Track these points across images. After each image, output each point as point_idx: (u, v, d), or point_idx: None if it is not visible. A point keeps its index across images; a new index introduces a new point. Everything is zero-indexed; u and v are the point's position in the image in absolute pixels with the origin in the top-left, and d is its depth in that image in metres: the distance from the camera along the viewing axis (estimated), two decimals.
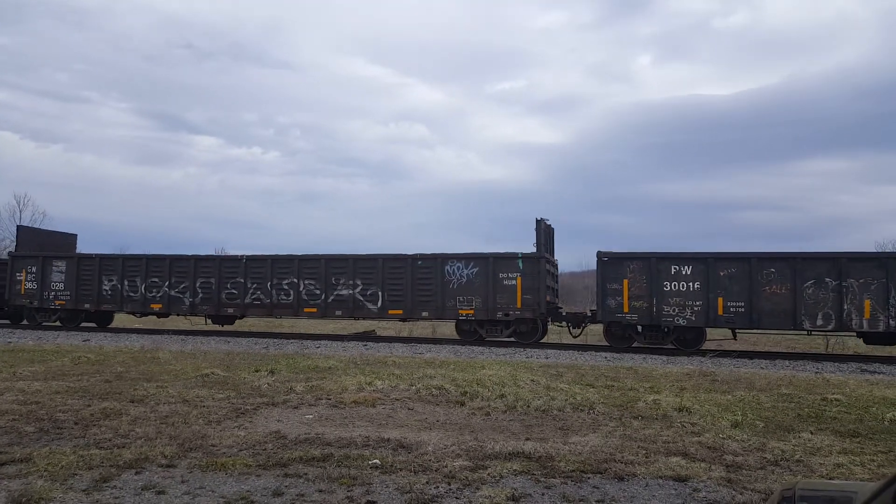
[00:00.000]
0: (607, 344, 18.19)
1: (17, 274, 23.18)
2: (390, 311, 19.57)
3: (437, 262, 19.17)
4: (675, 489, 4.93)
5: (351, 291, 19.77)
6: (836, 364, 15.05)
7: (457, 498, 4.61)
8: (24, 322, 23.84)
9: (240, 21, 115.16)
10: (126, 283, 21.95)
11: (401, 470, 5.27)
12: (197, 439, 6.20)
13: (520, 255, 18.60)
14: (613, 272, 17.52)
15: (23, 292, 23.04)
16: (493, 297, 18.61)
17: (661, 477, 5.21)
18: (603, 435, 6.76)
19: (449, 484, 4.92)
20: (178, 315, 22.42)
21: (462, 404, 8.39)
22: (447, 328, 24.57)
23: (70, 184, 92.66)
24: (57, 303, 22.68)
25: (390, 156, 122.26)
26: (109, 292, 22.18)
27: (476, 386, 9.46)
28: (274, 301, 20.45)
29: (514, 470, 5.30)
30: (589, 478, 5.17)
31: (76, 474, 5.01)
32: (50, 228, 24.63)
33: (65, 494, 4.52)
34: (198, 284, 21.23)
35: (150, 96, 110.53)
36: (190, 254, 21.66)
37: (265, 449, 5.91)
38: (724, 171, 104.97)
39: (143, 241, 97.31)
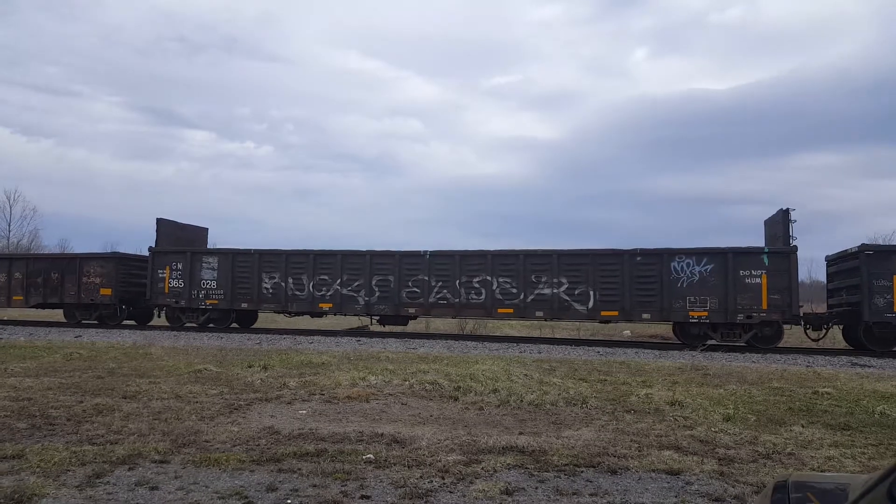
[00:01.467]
0: (850, 348, 17.18)
1: (160, 271, 21.15)
2: (603, 313, 17.88)
3: (661, 258, 17.44)
4: (668, 482, 4.96)
5: (555, 290, 18.04)
6: (827, 358, 15.16)
7: (451, 492, 4.62)
8: (159, 322, 22.27)
9: (233, 14, 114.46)
10: (291, 280, 20.08)
11: (395, 464, 5.27)
12: (190, 435, 6.19)
13: (766, 250, 16.92)
14: (880, 267, 15.99)
15: (167, 291, 21.01)
16: (734, 298, 16.78)
17: (653, 470, 5.24)
18: (596, 429, 6.79)
19: (443, 478, 4.93)
20: (349, 315, 20.66)
21: (455, 399, 8.41)
22: (440, 323, 24.56)
23: (61, 179, 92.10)
24: (208, 302, 20.70)
25: (384, 151, 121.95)
26: (271, 291, 20.26)
27: (469, 381, 9.47)
28: (463, 300, 18.74)
29: (508, 464, 5.32)
30: (582, 471, 5.20)
31: (69, 470, 4.99)
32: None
33: (58, 490, 4.51)
34: (374, 282, 19.42)
35: (141, 90, 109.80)
36: (365, 249, 19.86)
37: (259, 444, 5.91)
38: (720, 166, 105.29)
39: (135, 236, 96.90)
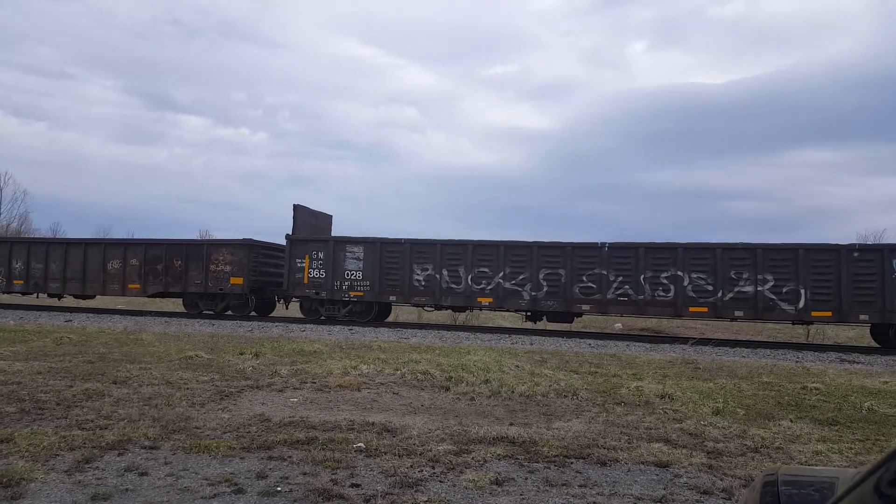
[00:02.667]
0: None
1: (299, 260, 19.82)
2: (814, 313, 16.53)
3: (881, 254, 16.19)
4: (657, 475, 4.99)
5: (758, 288, 16.66)
6: (817, 353, 15.27)
7: (441, 482, 4.63)
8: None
9: None
10: (445, 272, 18.76)
11: (385, 453, 5.28)
12: (180, 421, 6.18)
13: None
14: None
15: (306, 281, 19.73)
16: None
17: (642, 462, 5.27)
18: (586, 421, 6.82)
19: (433, 468, 4.95)
20: (511, 311, 19.16)
21: (447, 389, 8.42)
22: (432, 314, 24.51)
23: (53, 162, 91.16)
24: (352, 294, 19.43)
25: (380, 139, 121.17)
26: (423, 283, 18.98)
27: (461, 371, 9.50)
28: (647, 298, 17.37)
29: (498, 454, 5.34)
30: (572, 462, 5.22)
31: (58, 455, 4.97)
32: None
33: (46, 475, 4.49)
34: (541, 276, 18.07)
35: (135, 73, 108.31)
36: (531, 240, 18.48)
37: (249, 432, 5.90)
38: (716, 161, 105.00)
39: (126, 222, 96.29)
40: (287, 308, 21.77)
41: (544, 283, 18.19)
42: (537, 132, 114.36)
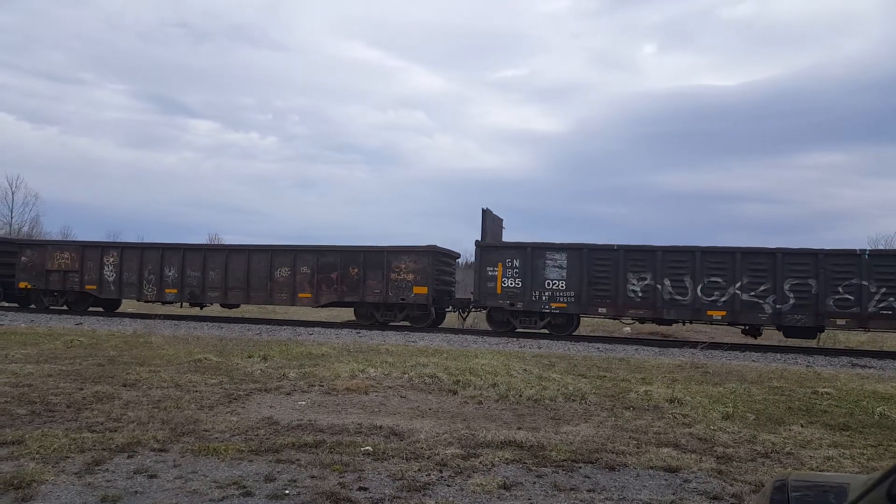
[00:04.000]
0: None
1: (490, 269, 18.57)
2: None
3: None
4: (666, 480, 4.96)
5: None
6: (828, 358, 15.15)
7: (448, 485, 4.63)
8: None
9: (238, 0, 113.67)
10: (668, 281, 17.17)
11: (393, 457, 5.28)
12: (189, 424, 6.20)
13: None
14: None
15: (499, 291, 18.46)
16: None
17: (651, 467, 5.24)
18: (594, 425, 6.79)
19: (441, 471, 4.94)
20: (748, 324, 17.34)
21: (454, 393, 8.41)
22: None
23: (63, 166, 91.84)
24: (553, 305, 18.07)
25: (388, 142, 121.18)
26: (640, 294, 17.42)
27: (469, 375, 9.48)
28: None
29: (506, 458, 5.33)
30: (580, 467, 5.20)
31: (68, 457, 5.00)
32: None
33: (56, 477, 4.52)
34: (787, 287, 16.36)
35: (146, 78, 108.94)
36: (773, 247, 16.83)
37: (258, 434, 5.92)
38: (724, 163, 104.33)
39: (136, 226, 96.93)
40: (465, 320, 20.79)
41: (790, 295, 16.46)
42: (544, 135, 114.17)
